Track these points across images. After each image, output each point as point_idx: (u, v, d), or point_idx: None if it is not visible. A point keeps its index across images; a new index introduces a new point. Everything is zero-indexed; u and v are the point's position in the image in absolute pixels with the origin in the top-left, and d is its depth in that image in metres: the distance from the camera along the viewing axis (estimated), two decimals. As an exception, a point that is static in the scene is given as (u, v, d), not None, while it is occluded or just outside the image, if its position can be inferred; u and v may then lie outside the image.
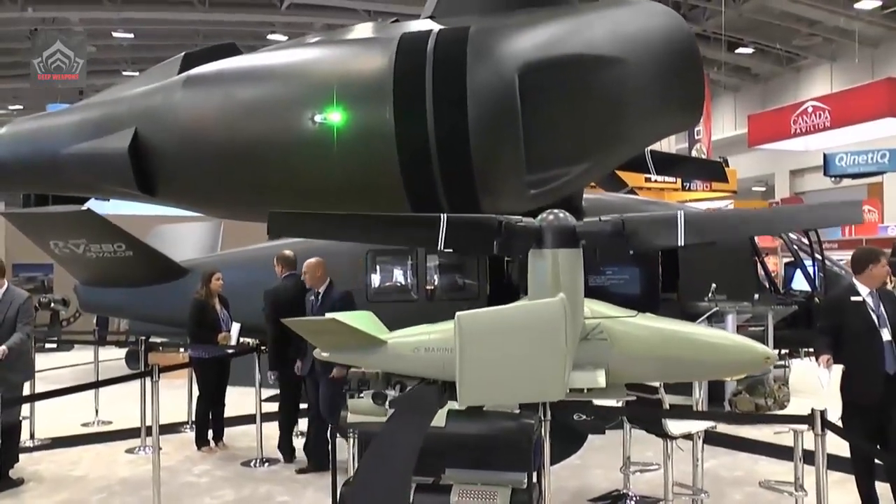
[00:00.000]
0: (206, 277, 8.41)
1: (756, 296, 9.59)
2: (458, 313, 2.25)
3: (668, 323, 3.24)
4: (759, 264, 11.07)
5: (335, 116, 4.74)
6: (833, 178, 27.31)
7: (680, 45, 5.31)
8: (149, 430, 8.02)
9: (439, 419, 4.32)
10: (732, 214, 3.20)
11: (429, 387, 3.49)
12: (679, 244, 2.56)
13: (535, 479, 4.49)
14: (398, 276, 11.41)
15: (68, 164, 5.30)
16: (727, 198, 23.94)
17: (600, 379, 3.10)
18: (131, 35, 26.52)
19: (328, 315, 3.60)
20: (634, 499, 6.42)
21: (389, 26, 5.55)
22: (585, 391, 3.15)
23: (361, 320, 3.44)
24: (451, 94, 4.67)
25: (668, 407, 5.42)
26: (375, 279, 11.56)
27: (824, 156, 26.49)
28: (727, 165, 28.07)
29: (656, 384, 5.20)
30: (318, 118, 4.76)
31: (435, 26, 5.14)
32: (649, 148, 9.25)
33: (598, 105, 5.05)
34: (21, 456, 7.83)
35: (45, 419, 8.81)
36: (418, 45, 4.85)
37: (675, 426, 5.44)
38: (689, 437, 5.90)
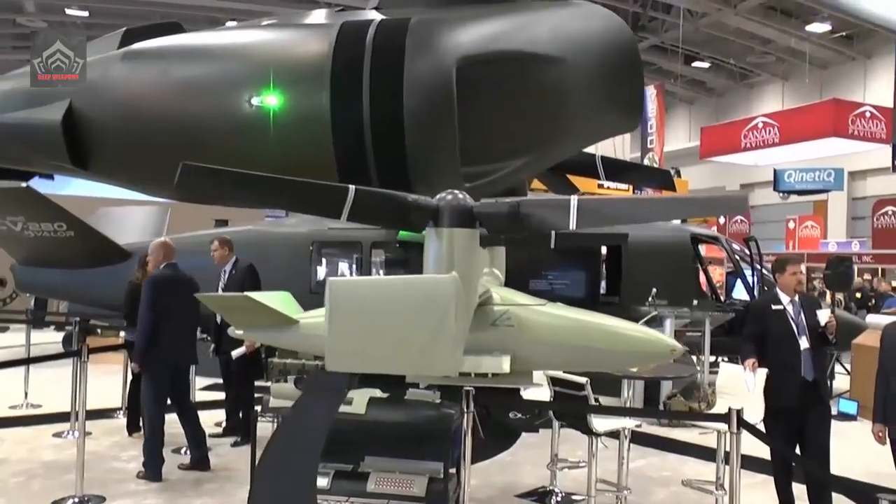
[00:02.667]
0: (142, 260, 8.24)
1: (695, 302, 9.80)
2: (329, 279, 2.26)
3: (577, 313, 3.29)
4: (700, 272, 11.34)
5: (272, 100, 4.72)
6: (781, 194, 28.06)
7: (620, 48, 5.40)
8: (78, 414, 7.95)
9: (359, 406, 4.33)
10: (624, 201, 3.28)
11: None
12: (570, 228, 2.63)
13: (453, 470, 4.52)
14: (343, 268, 11.39)
15: (2, 133, 5.17)
16: (677, 208, 24.29)
17: (504, 364, 3.14)
18: (86, 13, 25.99)
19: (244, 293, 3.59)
20: (559, 495, 6.49)
21: (334, 14, 5.54)
22: (490, 376, 3.19)
23: (276, 299, 3.43)
24: (388, 83, 4.69)
25: (593, 403, 5.50)
26: (320, 271, 11.54)
27: (774, 171, 27.17)
28: (679, 176, 28.60)
29: (582, 380, 5.29)
30: (255, 101, 4.73)
31: (378, 16, 5.15)
32: (600, 154, 9.41)
33: (536, 102, 5.11)
34: (-59, 436, 7.66)
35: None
36: (358, 34, 4.85)
37: (599, 423, 5.53)
38: (616, 435, 6.01)
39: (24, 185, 9.78)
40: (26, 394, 9.23)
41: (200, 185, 2.71)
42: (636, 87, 5.58)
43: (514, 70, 4.99)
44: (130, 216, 14.50)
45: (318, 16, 5.77)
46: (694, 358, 11.10)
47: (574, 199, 2.65)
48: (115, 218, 14.09)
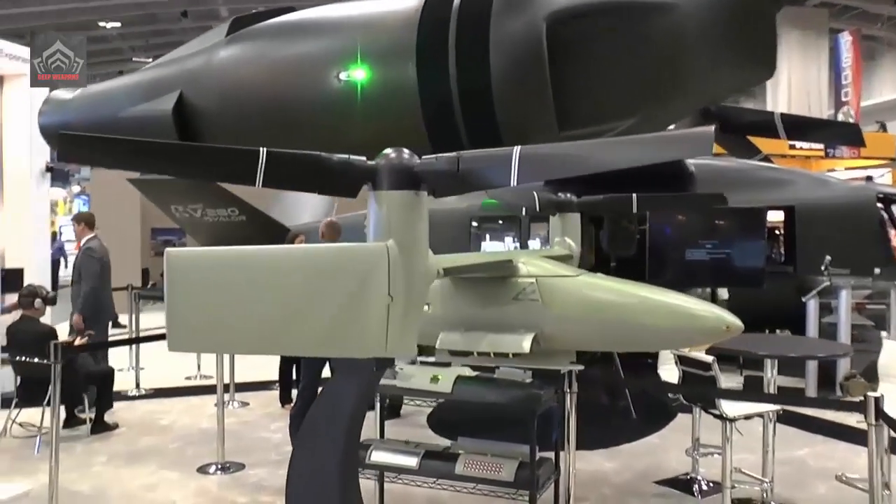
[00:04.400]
0: (289, 240, 8.61)
1: (877, 270, 8.67)
2: (166, 250, 2.07)
3: (617, 284, 2.90)
4: (889, 237, 10.05)
5: (359, 73, 4.65)
6: None
7: None
8: (239, 386, 8.49)
9: (446, 385, 4.18)
10: (574, 147, 2.69)
11: None
12: (512, 183, 2.29)
13: (551, 454, 4.25)
14: (504, 244, 11.23)
15: (123, 128, 5.53)
16: (883, 166, 21.82)
17: (525, 343, 2.84)
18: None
19: None
20: (702, 483, 5.99)
21: None
22: (511, 356, 2.90)
23: None
24: (473, 48, 4.45)
25: (721, 385, 4.99)
26: (483, 247, 11.47)
27: None
28: (884, 130, 25.59)
29: (708, 359, 4.81)
30: (342, 75, 4.69)
31: None
32: (778, 111, 8.56)
33: (642, 57, 4.65)
34: (123, 404, 8.47)
35: (152, 372, 9.43)
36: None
37: (731, 407, 5.00)
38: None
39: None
40: (199, 366, 9.97)
41: (79, 153, 2.59)
42: (764, 31, 4.92)
43: (614, 23, 4.57)
44: (305, 198, 15.23)
45: None
46: (884, 334, 9.89)
47: (517, 149, 2.31)
48: (292, 200, 14.87)
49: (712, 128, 2.06)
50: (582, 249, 10.54)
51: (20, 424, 7.13)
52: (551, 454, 4.44)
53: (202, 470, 6.39)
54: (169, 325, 1.84)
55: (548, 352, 2.89)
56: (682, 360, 5.25)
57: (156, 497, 5.82)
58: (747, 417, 5.15)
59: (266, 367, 7.15)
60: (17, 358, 6.85)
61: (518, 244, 11.08)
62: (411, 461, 4.24)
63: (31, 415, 7.07)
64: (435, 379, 4.15)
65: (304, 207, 14.60)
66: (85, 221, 7.90)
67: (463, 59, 4.49)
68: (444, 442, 4.65)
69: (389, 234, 2.18)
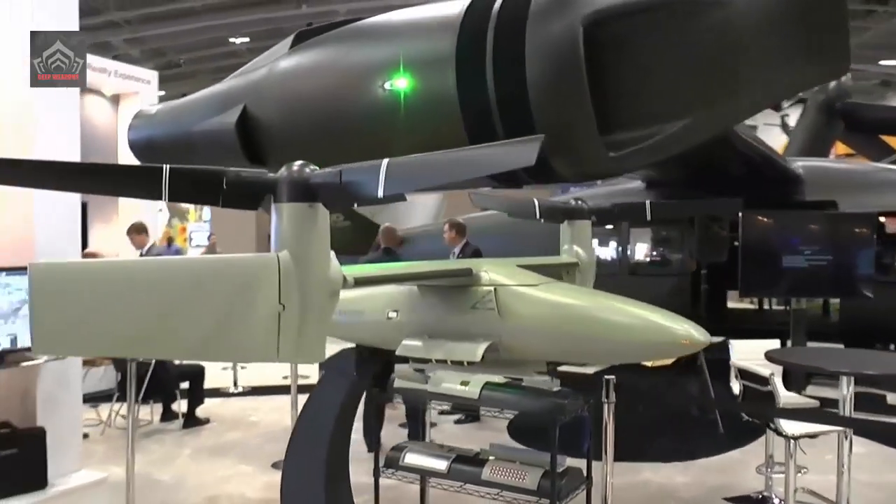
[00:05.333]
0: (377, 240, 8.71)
1: None
2: (29, 263, 2.13)
3: (580, 295, 2.78)
4: None
5: (402, 82, 4.72)
6: None
7: None
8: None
9: (474, 391, 4.19)
10: (439, 159, 2.47)
11: (349, 350, 3.41)
12: (378, 194, 2.25)
13: (582, 463, 4.16)
14: (609, 249, 11.06)
15: (196, 142, 5.86)
16: None
17: (478, 352, 2.78)
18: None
19: None
20: (775, 503, 5.67)
21: None
22: (466, 364, 2.84)
23: None
24: (509, 53, 4.41)
25: (780, 401, 4.71)
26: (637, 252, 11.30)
27: None
28: None
29: (765, 373, 4.57)
30: (386, 85, 4.78)
31: None
32: None
33: (692, 54, 4.45)
34: (219, 400, 8.97)
35: (252, 371, 9.92)
36: (486, 3, 4.64)
37: (790, 426, 4.72)
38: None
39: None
40: (296, 367, 10.36)
41: (9, 176, 2.71)
42: (835, 22, 4.60)
43: (660, 20, 4.40)
44: (415, 201, 15.50)
45: None
46: None
47: (385, 162, 2.28)
48: (403, 205, 15.19)
49: (540, 137, 2.01)
50: (682, 256, 10.25)
51: (123, 416, 7.70)
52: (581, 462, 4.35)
53: (276, 466, 6.67)
54: (33, 330, 1.97)
55: (513, 361, 2.84)
56: (742, 374, 5.00)
57: (228, 489, 6.14)
58: (811, 436, 4.84)
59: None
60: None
61: (620, 249, 10.89)
62: (441, 465, 4.26)
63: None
64: (465, 384, 4.16)
65: (414, 211, 14.90)
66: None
67: (499, 66, 4.46)
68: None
69: (285, 245, 2.26)
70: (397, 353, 2.96)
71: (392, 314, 3.04)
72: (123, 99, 9.63)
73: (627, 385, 4.58)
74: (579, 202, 4.29)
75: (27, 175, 2.43)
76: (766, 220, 8.55)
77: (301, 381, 9.98)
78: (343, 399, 3.20)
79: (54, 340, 2.00)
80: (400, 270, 3.15)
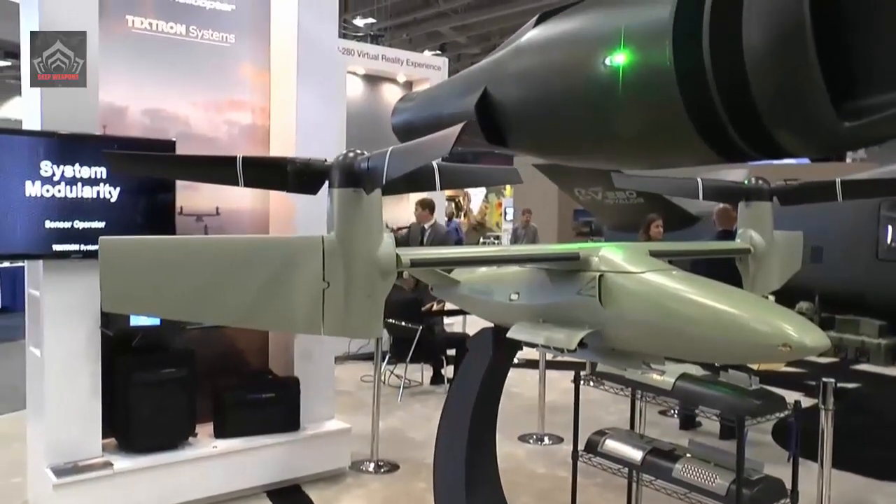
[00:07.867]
0: (646, 223, 8.39)
1: None
2: (100, 238, 2.29)
3: (681, 284, 2.36)
4: None
5: (620, 58, 4.58)
6: None
7: None
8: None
9: (667, 381, 3.99)
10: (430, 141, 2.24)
11: (487, 329, 3.34)
12: (383, 178, 2.18)
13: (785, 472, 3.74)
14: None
15: (445, 125, 6.11)
16: None
17: (574, 340, 2.53)
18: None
19: None
20: None
21: None
22: (565, 352, 2.58)
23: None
24: (725, 21, 4.04)
25: None
26: (889, 235, 9.91)
27: None
28: None
29: None
30: (607, 61, 4.67)
31: None
32: None
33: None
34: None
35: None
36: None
37: None
38: None
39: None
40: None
41: (128, 167, 3.14)
42: None
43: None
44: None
45: None
46: None
47: (390, 151, 2.23)
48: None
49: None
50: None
51: (398, 376, 8.48)
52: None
53: (523, 438, 6.87)
54: (101, 291, 2.31)
55: (622, 353, 2.61)
56: None
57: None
58: None
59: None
60: (390, 321, 8.12)
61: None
62: (637, 455, 4.11)
63: (411, 370, 8.45)
64: (661, 372, 3.97)
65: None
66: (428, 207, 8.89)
67: (715, 35, 4.11)
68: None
69: (332, 227, 2.40)
70: (508, 335, 2.96)
71: (514, 296, 3.05)
72: (416, 85, 10.52)
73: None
74: (760, 181, 3.81)
75: (142, 165, 2.98)
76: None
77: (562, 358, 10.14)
78: (483, 376, 3.30)
79: (119, 301, 2.39)
80: (481, 253, 3.18)
